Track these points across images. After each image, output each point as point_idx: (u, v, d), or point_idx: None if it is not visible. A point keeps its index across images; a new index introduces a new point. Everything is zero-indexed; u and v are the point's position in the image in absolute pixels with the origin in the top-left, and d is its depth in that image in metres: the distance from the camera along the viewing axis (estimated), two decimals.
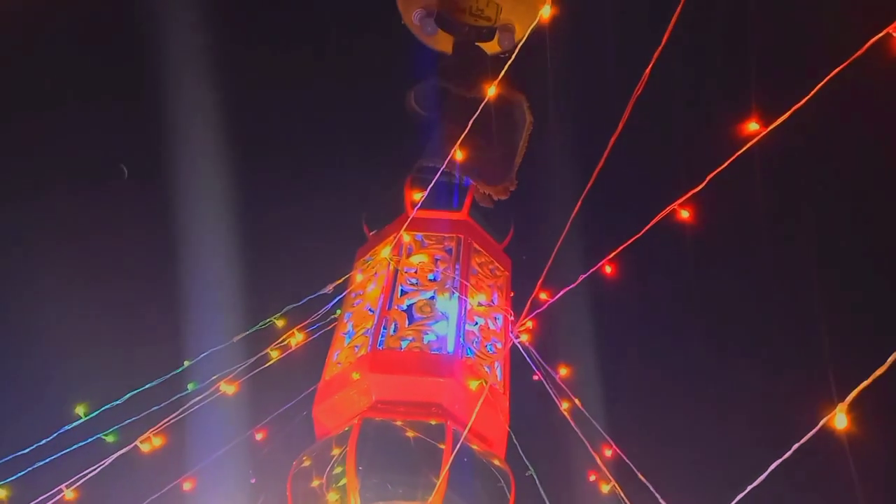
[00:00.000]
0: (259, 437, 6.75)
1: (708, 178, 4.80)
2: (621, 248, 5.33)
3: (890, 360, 2.71)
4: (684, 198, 5.03)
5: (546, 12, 4.59)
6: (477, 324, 6.46)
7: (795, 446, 2.86)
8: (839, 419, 2.79)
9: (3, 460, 5.29)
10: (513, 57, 5.16)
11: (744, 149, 4.67)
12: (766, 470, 2.97)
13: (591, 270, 5.56)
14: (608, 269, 5.58)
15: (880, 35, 3.66)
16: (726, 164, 4.77)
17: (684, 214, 5.04)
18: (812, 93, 4.15)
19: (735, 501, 3.09)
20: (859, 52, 3.93)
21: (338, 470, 5.54)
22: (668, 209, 5.05)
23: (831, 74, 4.04)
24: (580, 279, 5.75)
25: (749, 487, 3.04)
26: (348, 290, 6.77)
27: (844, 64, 4.00)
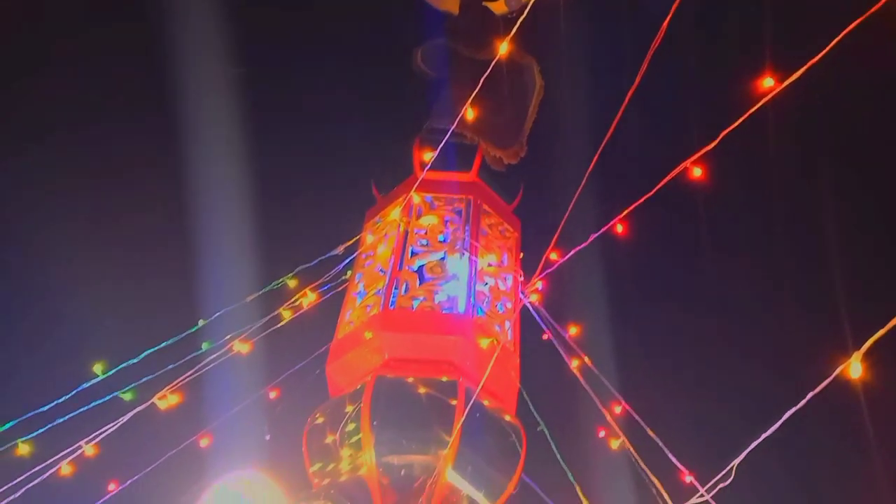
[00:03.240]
0: (273, 395, 6.87)
1: (721, 136, 4.79)
2: (633, 206, 5.35)
3: None
4: (697, 156, 5.03)
5: None
6: (487, 284, 6.51)
7: (810, 395, 2.90)
8: (854, 368, 2.82)
9: (24, 417, 5.39)
10: (521, 17, 5.11)
11: (758, 105, 4.65)
12: (780, 420, 3.02)
13: (604, 229, 5.58)
14: (619, 228, 5.61)
15: None
16: (739, 121, 4.76)
17: (697, 173, 5.05)
18: (828, 48, 4.12)
19: (748, 451, 3.15)
20: (876, 7, 3.90)
21: (351, 427, 5.64)
22: (680, 167, 5.05)
23: (847, 29, 4.01)
24: (591, 238, 5.77)
25: (761, 437, 3.10)
26: (359, 251, 6.81)
27: (861, 18, 3.97)
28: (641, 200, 5.28)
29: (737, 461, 3.14)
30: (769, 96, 4.58)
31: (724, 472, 3.18)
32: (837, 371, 2.85)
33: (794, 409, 2.96)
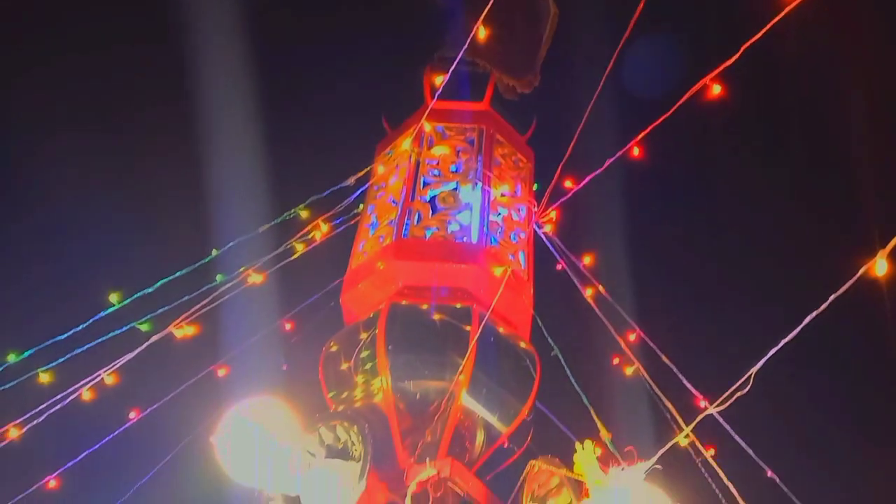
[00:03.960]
0: (288, 327, 6.92)
1: (742, 50, 4.64)
2: (651, 126, 5.24)
3: None
4: (716, 72, 4.89)
5: None
6: (500, 214, 6.45)
7: (832, 297, 2.83)
8: (880, 265, 2.74)
9: (43, 345, 5.46)
10: None
11: (779, 16, 4.48)
12: (800, 325, 2.96)
13: (620, 153, 5.49)
14: (636, 151, 5.51)
15: None
16: (760, 34, 4.60)
17: (716, 90, 4.92)
18: None
19: (766, 358, 3.10)
20: None
21: (364, 354, 5.66)
22: (698, 84, 4.92)
23: None
24: (607, 163, 5.69)
25: (781, 343, 3.04)
26: (370, 182, 6.74)
27: None
28: (660, 121, 5.17)
29: (755, 368, 3.10)
30: (790, 6, 4.41)
31: (741, 381, 3.14)
32: (863, 270, 2.76)
33: (816, 313, 2.89)
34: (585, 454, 4.14)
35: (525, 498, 4.33)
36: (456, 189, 6.36)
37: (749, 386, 3.12)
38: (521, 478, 4.42)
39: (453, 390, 5.25)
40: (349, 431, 4.31)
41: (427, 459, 4.46)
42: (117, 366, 5.60)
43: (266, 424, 3.89)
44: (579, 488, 4.56)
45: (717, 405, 3.34)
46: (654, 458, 4.18)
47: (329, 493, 4.11)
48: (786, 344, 3.36)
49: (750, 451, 5.87)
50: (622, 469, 4.13)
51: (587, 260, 6.64)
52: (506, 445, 5.88)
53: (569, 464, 4.57)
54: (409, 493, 4.30)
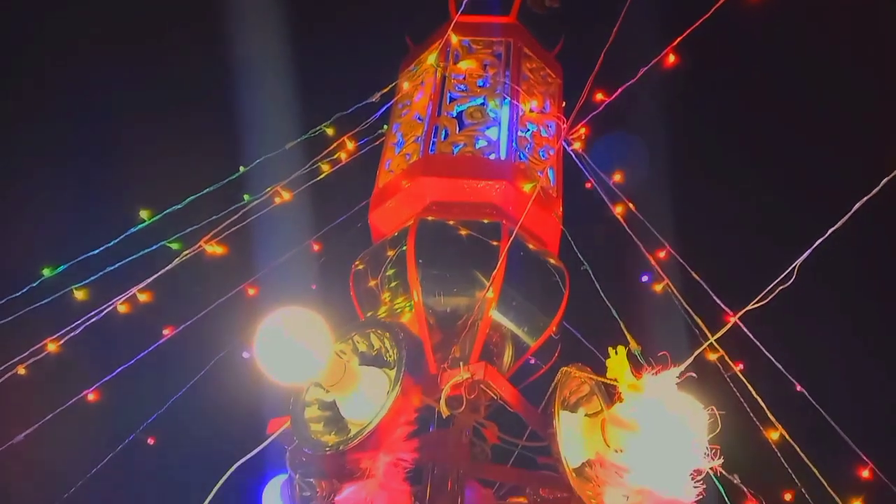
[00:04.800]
0: (316, 248, 6.96)
1: None
2: (688, 31, 5.05)
3: None
4: None
5: None
6: (529, 130, 6.32)
7: (885, 180, 2.72)
8: None
9: (76, 260, 5.54)
10: None
11: None
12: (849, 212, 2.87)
13: (655, 60, 5.31)
14: (671, 59, 5.32)
15: None
16: None
17: None
18: None
19: (812, 249, 3.02)
20: None
21: (390, 272, 5.66)
22: None
23: None
24: (641, 72, 5.51)
25: (828, 232, 2.95)
26: (394, 99, 6.63)
27: None
28: (697, 24, 4.97)
29: (799, 260, 3.03)
30: None
31: (785, 273, 3.07)
32: None
33: (866, 198, 2.79)
34: (619, 359, 4.14)
35: (556, 404, 4.36)
36: (483, 104, 6.22)
37: (792, 279, 3.05)
38: (553, 384, 4.44)
39: (482, 304, 5.24)
40: (383, 338, 4.34)
41: (461, 364, 4.49)
42: (150, 281, 5.68)
43: (300, 332, 3.90)
44: (610, 396, 4.59)
45: (757, 301, 3.29)
46: (685, 364, 4.17)
47: (364, 398, 4.16)
48: (822, 251, 3.29)
49: (778, 365, 5.87)
50: (655, 374, 4.14)
51: (617, 177, 6.55)
52: (532, 361, 5.94)
53: (601, 374, 4.59)
54: (443, 396, 4.35)
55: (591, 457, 4.43)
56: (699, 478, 3.86)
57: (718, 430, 4.08)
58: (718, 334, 4.86)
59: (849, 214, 2.87)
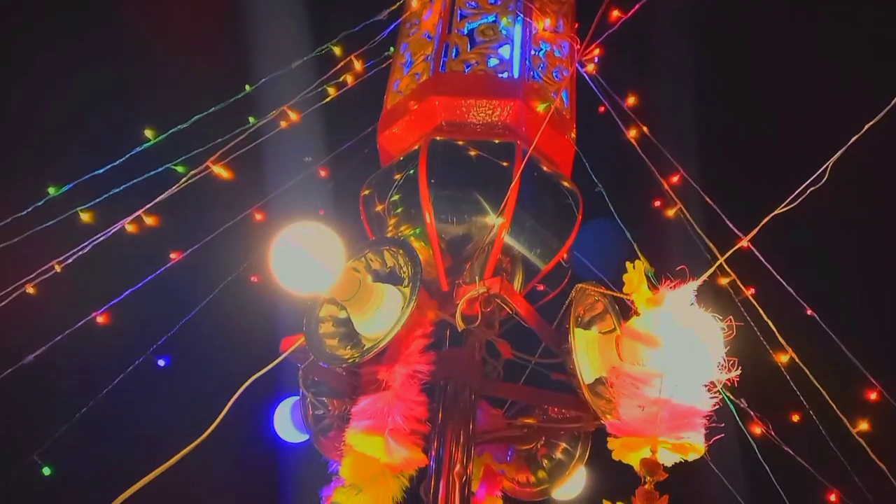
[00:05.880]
0: (322, 174, 6.85)
1: None
2: None
3: None
4: None
5: None
6: (542, 50, 6.14)
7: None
8: None
9: (81, 179, 5.46)
10: None
11: None
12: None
13: None
14: None
15: None
16: None
17: None
18: None
19: (845, 148, 2.92)
20: None
21: (396, 196, 5.56)
22: None
23: None
24: None
25: (869, 124, 2.82)
26: (402, 18, 6.42)
27: None
28: None
29: (832, 161, 2.93)
30: None
31: (817, 174, 2.98)
32: None
33: (872, 122, 2.66)
34: (636, 273, 4.10)
35: (571, 320, 4.33)
36: (495, 21, 6.02)
37: (824, 180, 2.97)
38: (567, 301, 4.41)
39: (495, 225, 5.17)
40: (397, 255, 4.28)
41: (476, 279, 4.44)
42: (156, 202, 5.61)
43: (313, 244, 3.84)
44: (624, 315, 4.57)
45: (786, 205, 3.21)
46: (698, 282, 4.13)
47: (379, 313, 4.13)
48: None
49: (788, 288, 5.85)
50: (671, 288, 4.10)
51: (631, 100, 6.41)
52: (540, 288, 5.90)
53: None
54: (458, 310, 4.32)
55: (605, 374, 4.43)
56: (715, 389, 3.86)
57: (731, 348, 4.07)
58: (728, 254, 4.82)
59: (889, 107, 2.74)
